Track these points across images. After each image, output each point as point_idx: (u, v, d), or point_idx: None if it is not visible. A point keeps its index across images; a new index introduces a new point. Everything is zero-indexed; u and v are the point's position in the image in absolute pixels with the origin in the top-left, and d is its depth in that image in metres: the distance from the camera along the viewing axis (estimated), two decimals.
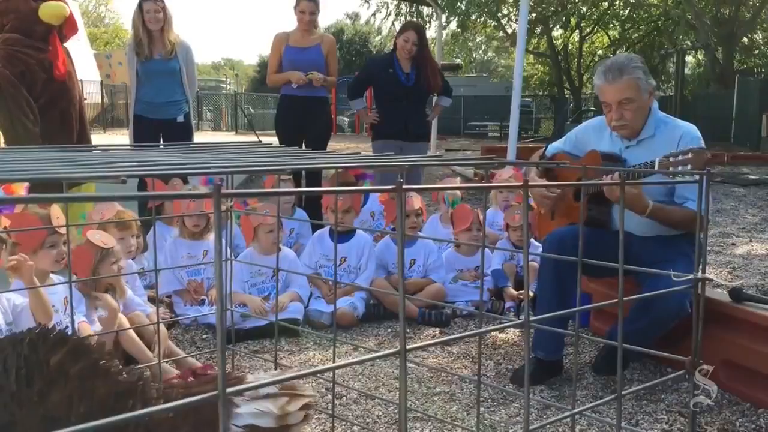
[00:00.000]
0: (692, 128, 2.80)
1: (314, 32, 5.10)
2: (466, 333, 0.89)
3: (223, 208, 2.14)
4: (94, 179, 0.95)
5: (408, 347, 0.75)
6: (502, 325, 0.92)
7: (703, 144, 2.73)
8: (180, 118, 4.90)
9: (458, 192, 4.41)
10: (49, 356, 1.27)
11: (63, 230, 2.71)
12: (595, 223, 2.85)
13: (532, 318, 0.93)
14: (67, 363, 1.28)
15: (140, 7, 4.74)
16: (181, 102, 4.91)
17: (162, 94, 4.82)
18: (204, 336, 3.33)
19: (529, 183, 0.94)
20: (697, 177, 1.17)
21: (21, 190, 3.02)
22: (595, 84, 2.86)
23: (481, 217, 3.83)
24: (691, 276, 1.15)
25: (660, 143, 2.75)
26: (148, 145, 2.16)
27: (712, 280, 1.11)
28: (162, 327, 2.58)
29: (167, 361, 2.71)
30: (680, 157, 2.46)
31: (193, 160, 1.18)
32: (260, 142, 1.83)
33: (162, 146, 2.29)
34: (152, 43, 4.76)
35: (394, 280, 3.84)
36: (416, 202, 3.89)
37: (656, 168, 2.52)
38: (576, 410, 0.99)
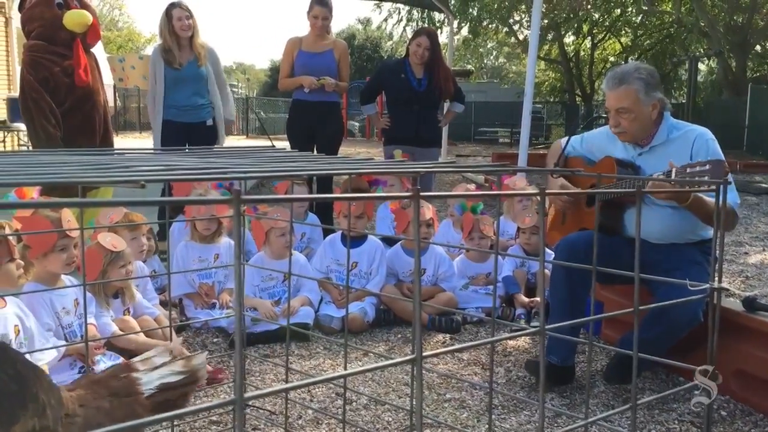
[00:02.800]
0: (705, 131, 2.78)
1: (327, 37, 5.11)
2: (481, 341, 0.89)
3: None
4: (111, 183, 0.95)
5: (423, 354, 0.75)
6: (518, 333, 0.92)
7: (717, 146, 2.71)
8: (209, 122, 4.94)
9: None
10: None
11: (73, 234, 2.73)
12: (606, 230, 2.84)
13: (547, 326, 0.92)
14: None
15: (168, 14, 4.76)
16: (208, 106, 4.94)
17: (192, 98, 4.86)
18: (215, 339, 3.34)
19: (546, 191, 0.93)
20: (714, 186, 1.16)
21: (33, 193, 3.04)
22: (603, 89, 2.88)
23: (484, 225, 3.83)
24: (707, 285, 1.15)
25: (674, 149, 2.74)
26: (164, 149, 2.17)
27: (728, 289, 1.10)
28: (167, 332, 2.58)
29: None
30: (697, 168, 2.44)
31: (211, 164, 1.18)
32: (274, 146, 1.84)
33: (177, 150, 2.30)
34: (181, 50, 4.79)
35: (403, 288, 3.83)
36: (427, 212, 3.88)
37: (672, 177, 2.50)
38: (589, 419, 0.99)
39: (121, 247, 2.99)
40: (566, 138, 3.24)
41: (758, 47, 22.31)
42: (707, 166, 2.41)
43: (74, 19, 4.16)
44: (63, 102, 4.19)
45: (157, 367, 1.50)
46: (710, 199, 2.60)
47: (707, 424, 1.23)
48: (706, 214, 2.62)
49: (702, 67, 26.99)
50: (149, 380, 1.46)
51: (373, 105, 5.45)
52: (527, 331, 0.98)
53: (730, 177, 2.43)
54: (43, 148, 3.90)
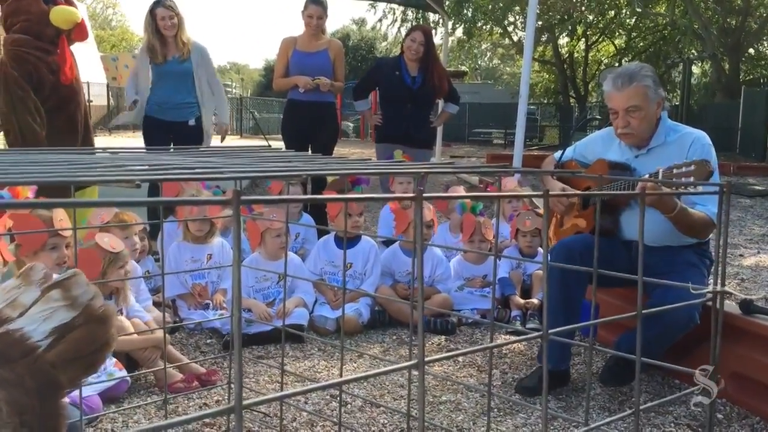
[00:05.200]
0: (702, 135, 2.78)
1: (322, 37, 5.09)
2: (482, 346, 0.87)
3: (231, 213, 2.12)
4: (107, 182, 0.93)
5: (426, 359, 0.73)
6: (520, 338, 0.90)
7: (712, 151, 2.71)
8: (191, 122, 4.90)
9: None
10: None
11: (65, 233, 2.70)
12: (601, 232, 2.83)
13: (549, 330, 0.91)
14: None
15: (152, 13, 4.76)
16: (193, 105, 4.91)
17: (175, 95, 4.83)
18: (208, 341, 3.31)
19: (550, 192, 0.92)
20: (716, 189, 1.15)
21: (28, 192, 3.01)
22: (604, 91, 2.85)
23: (486, 229, 3.81)
24: (709, 288, 1.13)
25: (670, 151, 2.73)
26: (158, 149, 2.15)
27: (731, 293, 1.09)
28: (160, 333, 2.56)
29: (172, 367, 2.69)
30: (683, 169, 2.44)
31: (206, 164, 1.16)
32: (270, 146, 1.82)
33: (172, 150, 2.28)
34: (165, 46, 4.78)
35: (398, 288, 3.81)
36: (428, 213, 3.86)
37: (660, 178, 2.50)
38: (592, 425, 0.97)
39: (120, 247, 2.96)
40: (559, 152, 3.23)
41: (751, 50, 22.41)
42: (692, 167, 2.41)
43: (62, 15, 4.07)
44: (47, 100, 4.10)
45: (30, 307, 1.18)
46: (693, 211, 2.60)
47: (709, 426, 1.22)
48: (687, 225, 2.61)
49: (695, 69, 27.08)
50: (34, 326, 1.15)
51: (366, 102, 5.43)
52: (529, 335, 0.96)
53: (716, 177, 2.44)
54: (27, 146, 3.82)
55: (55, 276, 1.26)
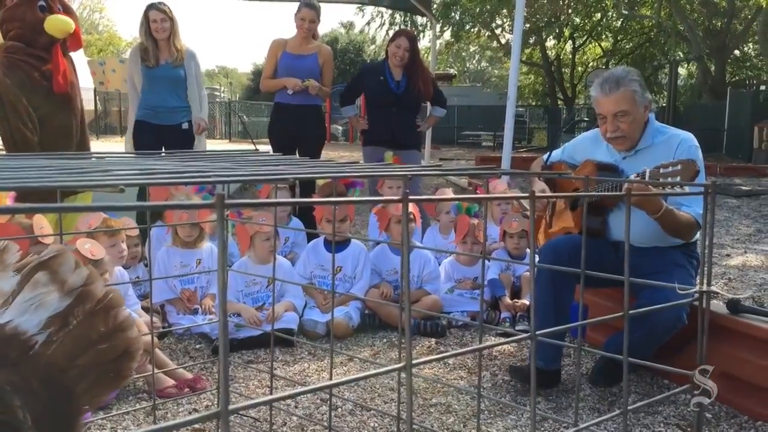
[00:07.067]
0: (689, 136, 2.80)
1: (312, 41, 5.09)
2: (471, 348, 0.87)
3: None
4: (90, 187, 0.92)
5: (413, 362, 0.73)
6: (509, 340, 0.90)
7: (699, 153, 2.73)
8: (185, 125, 4.90)
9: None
10: None
11: (47, 240, 2.67)
12: (590, 233, 2.84)
13: (537, 332, 0.91)
14: None
15: (146, 15, 4.77)
16: (186, 109, 4.91)
17: (167, 100, 4.84)
18: (197, 346, 3.29)
19: (536, 194, 0.92)
20: (701, 189, 1.15)
21: (6, 199, 2.97)
22: (592, 96, 2.86)
23: (479, 231, 3.82)
24: (696, 288, 1.14)
25: (658, 153, 2.75)
26: (144, 153, 2.14)
27: (717, 293, 1.09)
28: (149, 338, 2.53)
29: (161, 372, 2.68)
30: (670, 169, 2.46)
31: (192, 168, 1.16)
32: (257, 150, 1.81)
33: (158, 154, 2.27)
34: (158, 50, 4.79)
35: (382, 287, 3.80)
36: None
37: (647, 178, 2.51)
38: (582, 426, 0.97)
39: (100, 255, 2.92)
40: (547, 153, 3.25)
41: (737, 52, 22.60)
42: (678, 167, 2.43)
43: (56, 24, 4.07)
44: (40, 107, 4.09)
45: (12, 296, 1.00)
46: (679, 212, 2.61)
47: (698, 425, 1.22)
48: (673, 226, 2.63)
49: (682, 71, 27.27)
50: (25, 317, 0.99)
51: (353, 107, 5.44)
52: (517, 337, 0.96)
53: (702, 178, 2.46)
54: (19, 153, 3.80)
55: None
